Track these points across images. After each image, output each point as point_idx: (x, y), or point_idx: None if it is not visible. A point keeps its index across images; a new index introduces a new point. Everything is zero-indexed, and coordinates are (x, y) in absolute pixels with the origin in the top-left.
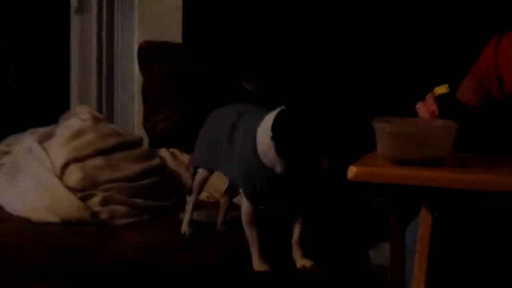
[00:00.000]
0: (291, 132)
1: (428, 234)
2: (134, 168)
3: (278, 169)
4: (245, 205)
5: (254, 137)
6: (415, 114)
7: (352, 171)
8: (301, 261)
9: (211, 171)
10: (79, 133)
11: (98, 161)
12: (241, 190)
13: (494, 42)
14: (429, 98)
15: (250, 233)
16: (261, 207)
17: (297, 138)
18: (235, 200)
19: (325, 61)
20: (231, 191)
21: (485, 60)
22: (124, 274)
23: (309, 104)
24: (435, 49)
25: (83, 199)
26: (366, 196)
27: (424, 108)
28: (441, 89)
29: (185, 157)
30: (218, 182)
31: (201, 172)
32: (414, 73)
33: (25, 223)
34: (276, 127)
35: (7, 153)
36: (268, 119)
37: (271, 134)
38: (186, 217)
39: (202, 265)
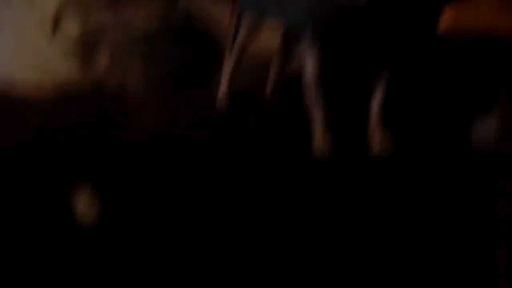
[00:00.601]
0: None
1: None
2: (149, 14)
3: None
4: (312, 61)
5: None
6: None
7: (447, 18)
8: (378, 145)
9: (261, 19)
10: None
11: (104, 11)
12: (307, 39)
13: None
14: None
15: (315, 100)
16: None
17: None
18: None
19: None
20: (287, 46)
21: None
22: (137, 159)
23: None
24: None
25: (84, 63)
26: (464, 58)
27: None
28: None
29: None
30: (268, 36)
31: (248, 20)
32: None
33: (4, 98)
34: None
35: None
36: None
37: None
38: (223, 84)
39: (244, 146)
